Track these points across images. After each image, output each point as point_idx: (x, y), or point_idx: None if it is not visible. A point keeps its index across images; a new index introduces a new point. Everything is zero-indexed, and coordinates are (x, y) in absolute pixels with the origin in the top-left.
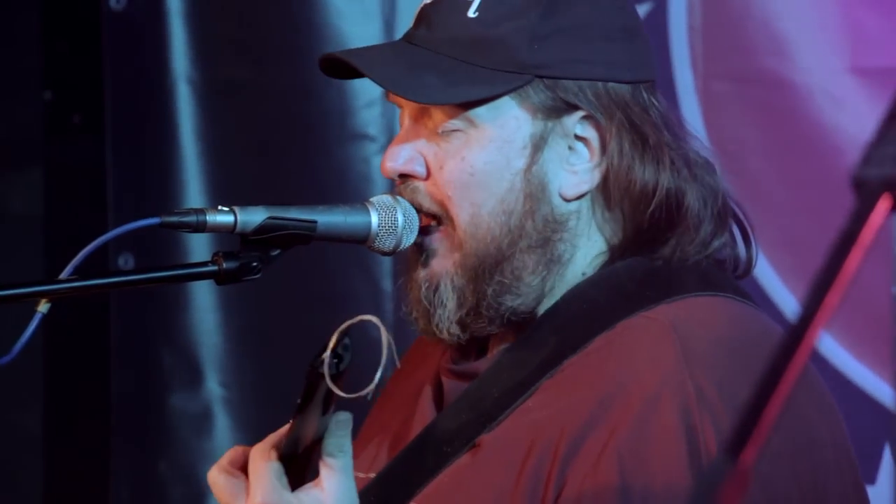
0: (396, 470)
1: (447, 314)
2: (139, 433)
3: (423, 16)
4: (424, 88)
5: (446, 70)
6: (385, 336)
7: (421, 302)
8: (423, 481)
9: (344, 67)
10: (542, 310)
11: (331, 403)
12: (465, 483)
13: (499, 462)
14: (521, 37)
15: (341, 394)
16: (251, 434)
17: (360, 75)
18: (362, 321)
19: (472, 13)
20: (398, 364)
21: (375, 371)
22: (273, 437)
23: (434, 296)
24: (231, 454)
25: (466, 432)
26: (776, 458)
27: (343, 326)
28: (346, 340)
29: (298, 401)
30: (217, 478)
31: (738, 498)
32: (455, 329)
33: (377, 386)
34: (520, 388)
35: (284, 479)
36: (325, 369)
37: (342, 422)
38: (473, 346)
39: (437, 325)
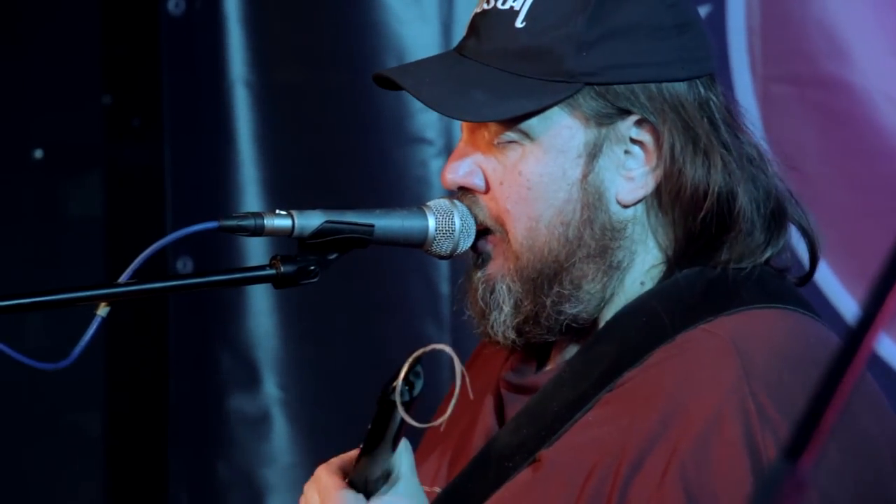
0: (459, 486)
1: (503, 318)
2: (197, 436)
3: (474, 26)
4: (473, 105)
5: (495, 84)
6: (458, 366)
7: (478, 303)
8: (484, 496)
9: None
10: (602, 317)
11: (401, 430)
12: (525, 499)
13: (559, 479)
14: (569, 44)
15: (413, 423)
16: (309, 437)
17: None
18: (434, 350)
19: (519, 23)
20: (471, 394)
21: (449, 399)
22: (340, 461)
23: (490, 297)
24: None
25: (527, 447)
26: (837, 474)
27: (415, 354)
28: (418, 368)
29: (369, 426)
30: (321, 477)
31: None
32: (511, 334)
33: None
34: (579, 401)
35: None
36: (397, 397)
37: (415, 424)
38: (533, 353)
39: (492, 327)
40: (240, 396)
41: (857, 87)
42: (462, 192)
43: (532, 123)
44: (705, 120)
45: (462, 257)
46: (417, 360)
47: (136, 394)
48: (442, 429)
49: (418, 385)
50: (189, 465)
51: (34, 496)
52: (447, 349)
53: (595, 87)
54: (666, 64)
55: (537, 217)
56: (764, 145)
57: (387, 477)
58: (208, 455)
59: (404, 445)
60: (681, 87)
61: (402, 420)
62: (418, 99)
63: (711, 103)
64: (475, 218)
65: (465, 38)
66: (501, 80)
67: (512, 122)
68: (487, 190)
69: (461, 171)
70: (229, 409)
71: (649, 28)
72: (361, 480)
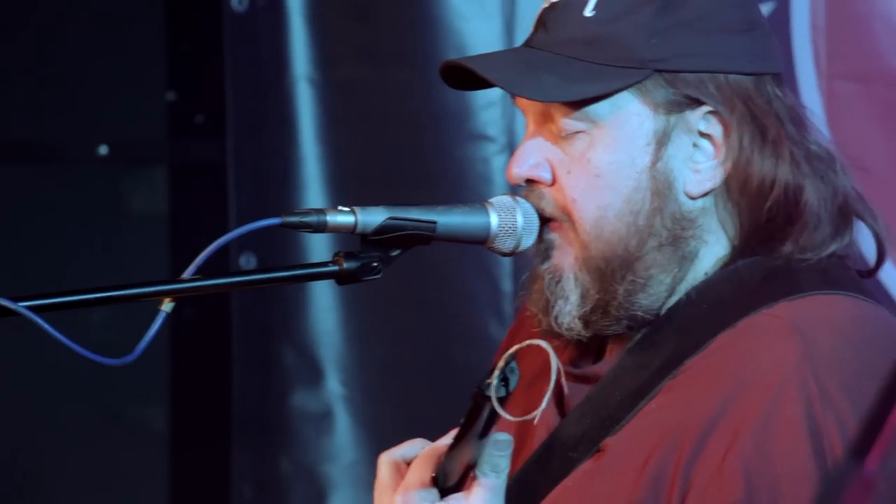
0: (524, 478)
1: (569, 308)
2: (260, 431)
3: (542, 20)
4: (542, 87)
5: (564, 69)
6: (554, 361)
7: (543, 294)
8: (549, 487)
9: (463, 76)
10: (664, 309)
11: (493, 425)
12: (589, 487)
13: (623, 465)
14: (639, 32)
15: (508, 416)
16: (372, 433)
17: (477, 86)
18: (531, 345)
19: (588, 12)
20: (566, 389)
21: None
22: (433, 451)
23: (556, 287)
24: (407, 447)
25: (591, 437)
26: None
27: (512, 350)
28: (513, 364)
29: (462, 420)
30: (382, 467)
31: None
32: (577, 325)
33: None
34: (642, 390)
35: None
36: (493, 392)
37: (501, 442)
38: (592, 345)
39: (555, 318)
40: (302, 393)
41: None
42: (528, 186)
43: (601, 110)
44: (772, 114)
45: (524, 255)
46: (513, 356)
47: (200, 389)
48: (536, 422)
49: (513, 380)
50: (252, 460)
51: (99, 491)
52: (544, 344)
53: (664, 74)
54: (734, 57)
55: (606, 205)
56: (831, 145)
57: (474, 466)
58: (271, 451)
59: (505, 442)
60: (748, 81)
61: (496, 414)
62: (488, 79)
63: (778, 100)
64: (542, 211)
65: (533, 33)
66: (571, 65)
67: (580, 109)
68: (553, 182)
69: (527, 163)
70: (292, 406)
71: (718, 22)
72: (448, 468)
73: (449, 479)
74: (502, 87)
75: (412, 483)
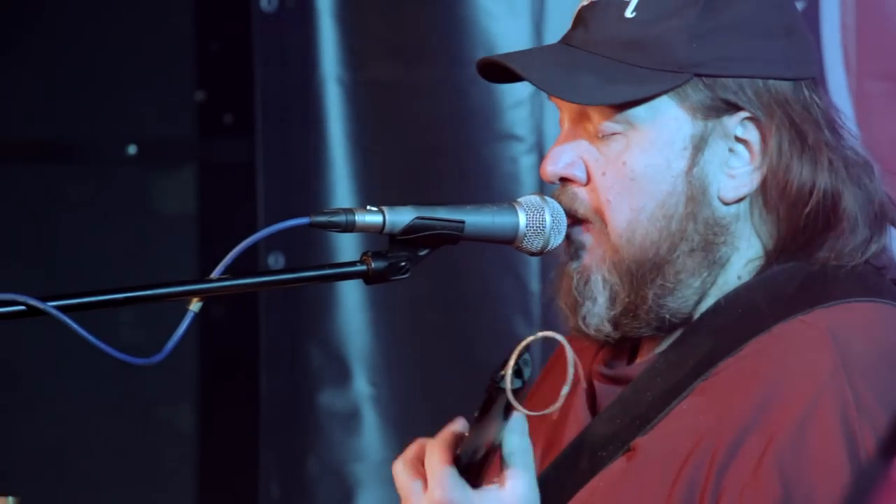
0: (552, 476)
1: (597, 309)
2: (288, 431)
3: (581, 18)
4: (582, 89)
5: (603, 70)
6: (570, 354)
7: (571, 293)
8: (577, 486)
9: (500, 71)
10: (697, 310)
11: (508, 417)
12: (619, 487)
13: (654, 467)
14: (680, 36)
15: (523, 410)
16: (399, 433)
17: (515, 79)
18: (546, 338)
19: (629, 13)
20: (583, 382)
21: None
22: (447, 436)
23: (584, 288)
24: (416, 448)
25: (621, 436)
26: None
27: (525, 342)
28: (527, 356)
29: (476, 414)
30: (399, 471)
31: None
32: (606, 327)
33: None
34: (674, 390)
35: (462, 479)
36: (507, 384)
37: (519, 424)
38: (626, 347)
39: (583, 319)
40: (330, 392)
41: None
42: (562, 185)
43: (639, 112)
44: (810, 120)
45: (553, 255)
46: (527, 348)
47: (228, 388)
48: (555, 417)
49: (527, 373)
50: (280, 459)
51: (128, 489)
52: (559, 337)
53: (703, 78)
54: (773, 62)
55: (640, 208)
56: (866, 151)
57: (495, 450)
58: (299, 450)
59: (521, 422)
60: (786, 86)
61: (510, 405)
62: (528, 80)
63: (816, 106)
64: (574, 212)
65: (571, 30)
66: (610, 67)
67: (617, 111)
68: (588, 182)
69: (562, 162)
70: (320, 405)
71: (758, 26)
72: (468, 457)
73: (473, 456)
74: (542, 89)
75: (437, 465)
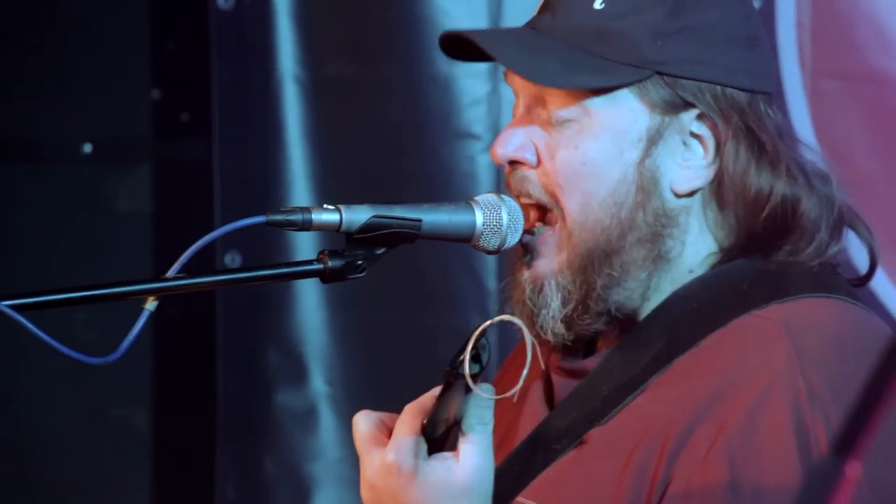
0: (508, 469)
1: (551, 313)
2: (245, 430)
3: (549, 3)
4: (545, 72)
5: (568, 57)
6: (528, 337)
7: (525, 304)
8: (532, 478)
9: (463, 47)
10: (648, 307)
11: (468, 400)
12: (569, 475)
13: (604, 455)
14: (646, 32)
15: (483, 395)
16: None
17: (478, 58)
18: (503, 321)
19: (598, 5)
20: (542, 363)
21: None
22: (426, 401)
23: (538, 297)
24: (389, 415)
25: (576, 429)
26: (891, 465)
27: (483, 326)
28: (484, 340)
29: (436, 400)
30: (361, 423)
31: (846, 500)
32: (560, 328)
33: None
34: (630, 385)
35: (424, 448)
36: (466, 370)
37: (484, 395)
38: (582, 345)
39: (541, 327)
40: (287, 391)
41: None
42: (513, 169)
43: (596, 102)
44: (767, 129)
45: (509, 253)
46: (484, 332)
47: (184, 388)
48: (515, 400)
49: (485, 357)
50: (236, 459)
51: (82, 490)
52: (516, 320)
53: (665, 77)
54: (734, 70)
55: (591, 193)
56: (824, 162)
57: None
58: (255, 449)
59: (487, 393)
60: (743, 97)
61: (470, 390)
62: (491, 55)
63: (769, 119)
64: (527, 195)
65: (538, 14)
66: (575, 55)
67: (575, 99)
68: (538, 164)
69: (511, 144)
70: (276, 404)
71: (723, 33)
72: (431, 430)
73: (435, 430)
74: (504, 65)
75: (403, 432)
